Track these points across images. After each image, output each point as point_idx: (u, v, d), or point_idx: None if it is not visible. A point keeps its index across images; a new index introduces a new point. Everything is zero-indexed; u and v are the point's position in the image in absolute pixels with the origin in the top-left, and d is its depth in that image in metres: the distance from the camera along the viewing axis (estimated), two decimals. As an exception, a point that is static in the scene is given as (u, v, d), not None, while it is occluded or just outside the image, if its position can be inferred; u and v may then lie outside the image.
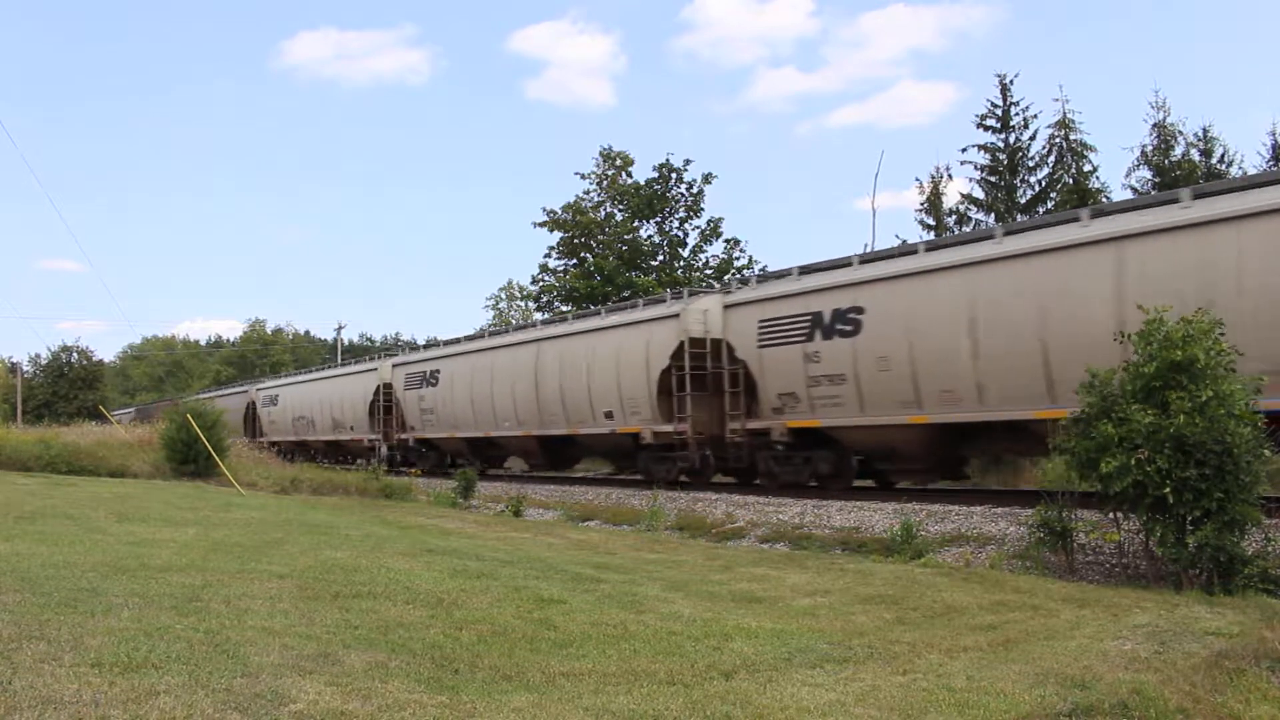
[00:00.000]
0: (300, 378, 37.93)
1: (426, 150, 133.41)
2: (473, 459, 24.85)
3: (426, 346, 30.30)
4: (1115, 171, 67.91)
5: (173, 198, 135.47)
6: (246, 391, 41.88)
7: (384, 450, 27.44)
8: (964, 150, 31.85)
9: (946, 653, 5.58)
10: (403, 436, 27.48)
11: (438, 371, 25.96)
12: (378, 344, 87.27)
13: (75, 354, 61.64)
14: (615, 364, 19.25)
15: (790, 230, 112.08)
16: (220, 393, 46.12)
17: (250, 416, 39.14)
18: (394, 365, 28.54)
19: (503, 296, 61.88)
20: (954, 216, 31.48)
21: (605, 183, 38.22)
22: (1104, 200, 27.93)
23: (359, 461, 27.65)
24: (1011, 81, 30.70)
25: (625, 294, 33.88)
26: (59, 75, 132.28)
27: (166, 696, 3.83)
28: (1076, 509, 9.54)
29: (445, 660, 4.90)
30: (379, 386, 28.47)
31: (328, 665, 4.57)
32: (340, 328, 72.74)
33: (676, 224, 38.07)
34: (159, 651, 4.51)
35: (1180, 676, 4.89)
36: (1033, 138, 30.57)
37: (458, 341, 26.95)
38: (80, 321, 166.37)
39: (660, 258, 37.83)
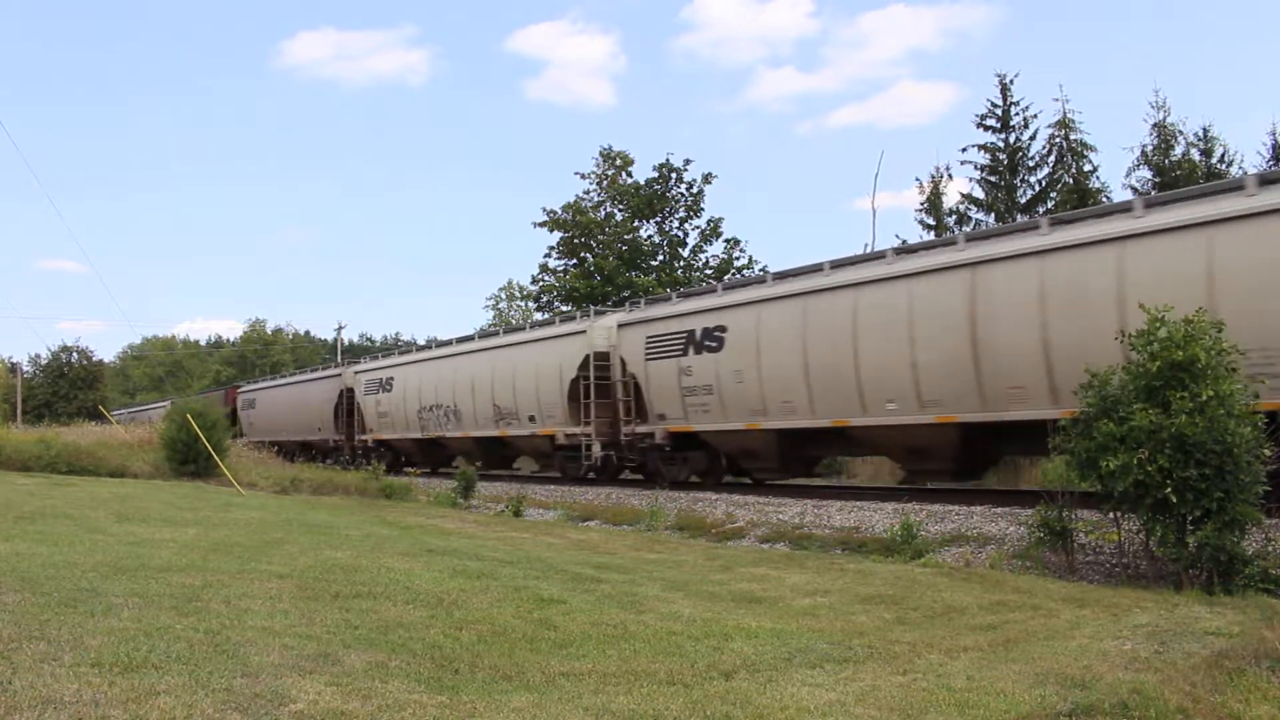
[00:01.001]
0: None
1: (426, 150, 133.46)
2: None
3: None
4: (1115, 171, 68.03)
5: (173, 198, 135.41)
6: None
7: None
8: (964, 150, 31.83)
9: (946, 653, 5.59)
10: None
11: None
12: (378, 344, 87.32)
13: (75, 354, 61.76)
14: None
15: (790, 230, 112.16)
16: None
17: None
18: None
19: (503, 296, 61.95)
20: (954, 216, 31.46)
21: (605, 183, 38.21)
22: (1105, 200, 27.94)
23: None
24: (1011, 81, 30.69)
25: (625, 294, 33.86)
26: (59, 75, 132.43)
27: (166, 696, 3.83)
28: (1076, 509, 9.55)
29: (445, 660, 4.90)
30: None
31: (328, 665, 4.57)
32: (340, 328, 72.74)
33: (676, 224, 38.07)
34: (159, 651, 4.51)
35: (1180, 676, 4.89)
36: (1033, 138, 30.58)
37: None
38: (80, 321, 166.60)
39: (660, 258, 37.81)
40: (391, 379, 28.87)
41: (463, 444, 25.26)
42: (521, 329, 24.53)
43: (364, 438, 30.15)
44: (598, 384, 19.68)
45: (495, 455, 25.36)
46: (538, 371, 21.75)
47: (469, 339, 26.70)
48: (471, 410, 24.15)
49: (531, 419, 22.14)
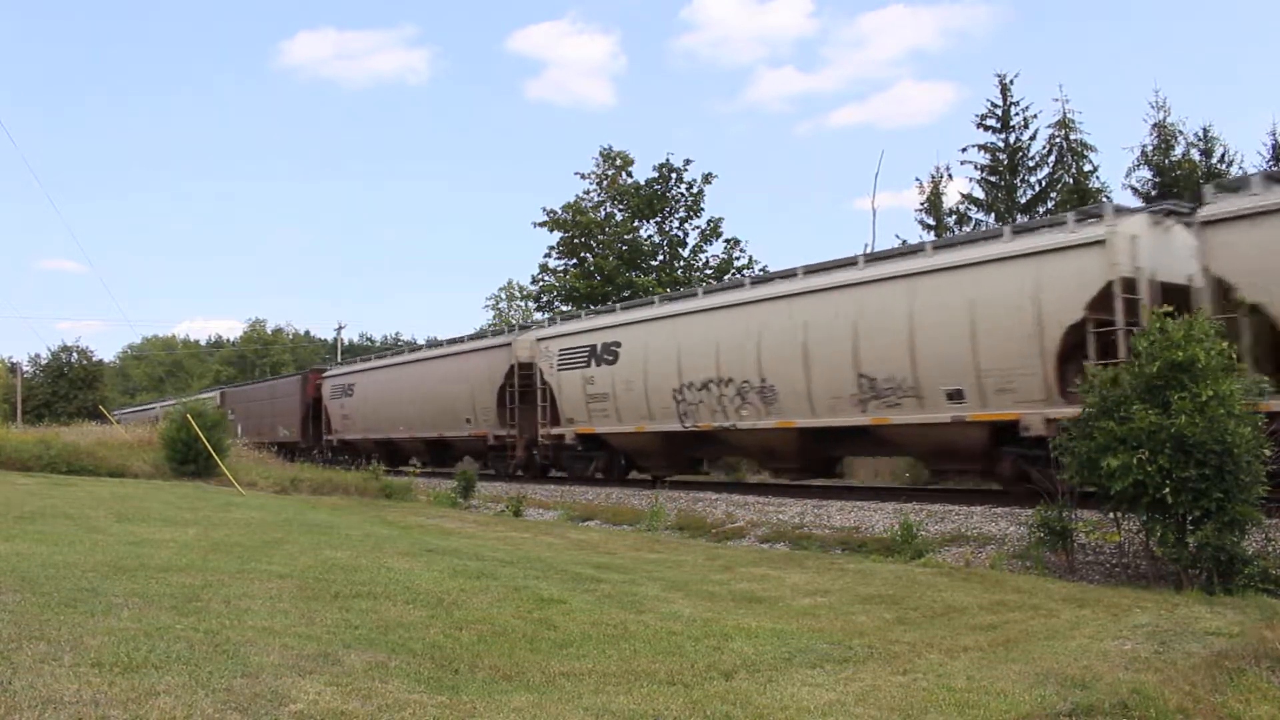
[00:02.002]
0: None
1: (426, 150, 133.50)
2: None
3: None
4: (1115, 171, 67.80)
5: (173, 198, 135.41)
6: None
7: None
8: (964, 150, 31.75)
9: (946, 653, 5.59)
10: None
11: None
12: (377, 344, 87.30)
13: (75, 354, 61.72)
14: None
15: (790, 230, 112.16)
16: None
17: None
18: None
19: (503, 296, 61.87)
20: (954, 216, 31.45)
21: (605, 183, 38.18)
22: (1105, 199, 27.92)
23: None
24: (1011, 81, 30.66)
25: (625, 294, 33.86)
26: (59, 75, 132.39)
27: (166, 696, 3.83)
28: (1076, 509, 9.55)
29: (445, 660, 4.90)
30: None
31: (328, 665, 4.57)
32: (340, 328, 72.76)
33: (676, 224, 38.03)
34: (159, 651, 4.51)
35: (1180, 676, 4.89)
36: (1033, 138, 30.56)
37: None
38: (80, 321, 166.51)
39: (660, 258, 37.79)
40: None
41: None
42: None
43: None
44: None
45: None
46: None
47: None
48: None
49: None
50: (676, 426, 18.01)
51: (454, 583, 7.22)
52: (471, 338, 26.97)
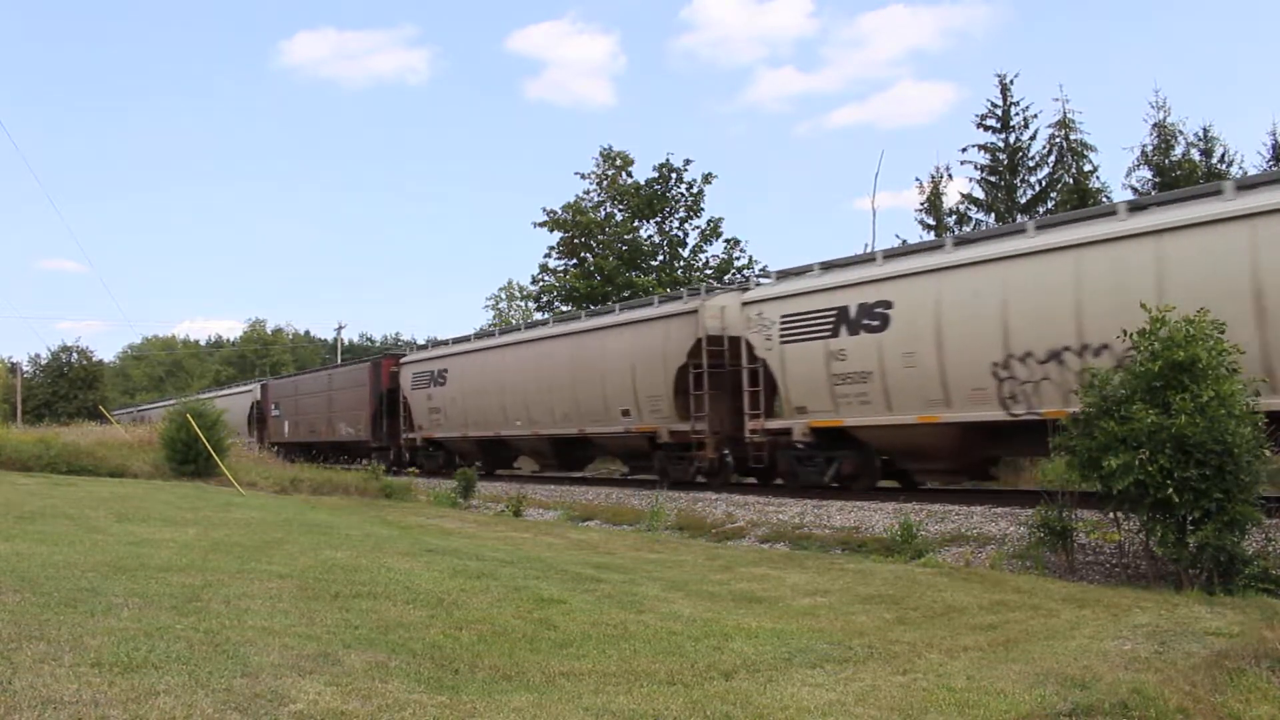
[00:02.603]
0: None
1: (426, 150, 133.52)
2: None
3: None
4: (1115, 171, 67.85)
5: (173, 198, 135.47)
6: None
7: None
8: (964, 150, 31.77)
9: (946, 653, 5.59)
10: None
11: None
12: (377, 344, 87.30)
13: (75, 354, 61.73)
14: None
15: (790, 230, 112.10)
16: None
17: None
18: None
19: (503, 296, 61.82)
20: (954, 216, 31.46)
21: (605, 183, 38.18)
22: (1104, 199, 27.94)
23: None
24: (1011, 81, 30.67)
25: (625, 294, 33.85)
26: (59, 75, 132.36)
27: (166, 696, 3.83)
28: (1076, 509, 9.54)
29: (445, 660, 4.90)
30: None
31: (328, 665, 4.57)
32: (340, 328, 72.79)
33: (676, 224, 38.04)
34: (159, 651, 4.51)
35: (1180, 676, 4.89)
36: (1033, 138, 30.56)
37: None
38: (80, 321, 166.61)
39: (660, 258, 37.80)
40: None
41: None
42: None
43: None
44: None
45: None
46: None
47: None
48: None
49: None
50: (994, 414, 12.84)
51: (454, 583, 7.22)
52: (631, 304, 21.46)
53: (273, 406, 37.34)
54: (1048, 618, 6.73)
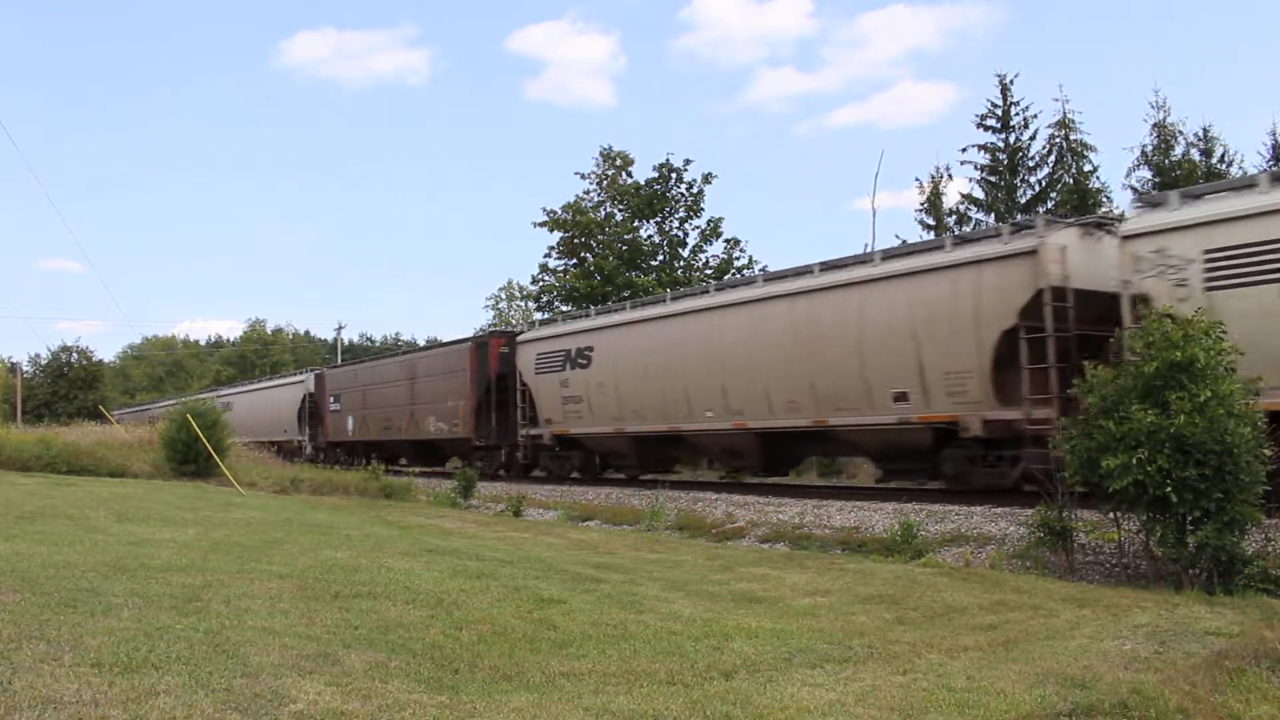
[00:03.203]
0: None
1: (426, 150, 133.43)
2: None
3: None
4: (1115, 171, 67.79)
5: (173, 198, 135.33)
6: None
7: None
8: (964, 150, 31.82)
9: (946, 653, 5.59)
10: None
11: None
12: (377, 344, 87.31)
13: (75, 354, 61.68)
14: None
15: (790, 230, 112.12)
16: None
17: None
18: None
19: (502, 296, 61.78)
20: (954, 216, 31.48)
21: (605, 183, 38.18)
22: (1104, 199, 27.99)
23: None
24: (1011, 81, 30.71)
25: (626, 294, 33.86)
26: (59, 75, 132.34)
27: (166, 696, 3.83)
28: (1076, 509, 9.54)
29: (445, 660, 4.90)
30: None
31: (328, 665, 4.57)
32: (340, 328, 72.72)
33: (676, 224, 38.04)
34: (159, 651, 4.51)
35: (1180, 676, 4.89)
36: (1033, 138, 30.60)
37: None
38: (80, 321, 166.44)
39: (660, 258, 37.80)
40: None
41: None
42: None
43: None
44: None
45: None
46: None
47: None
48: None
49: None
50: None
51: (454, 583, 7.22)
52: (909, 249, 15.89)
53: (331, 400, 31.78)
54: (1048, 618, 6.73)
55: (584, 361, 20.34)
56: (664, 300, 19.79)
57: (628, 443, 19.76)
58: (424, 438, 26.32)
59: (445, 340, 32.87)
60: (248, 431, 33.40)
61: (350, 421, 30.60)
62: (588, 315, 21.74)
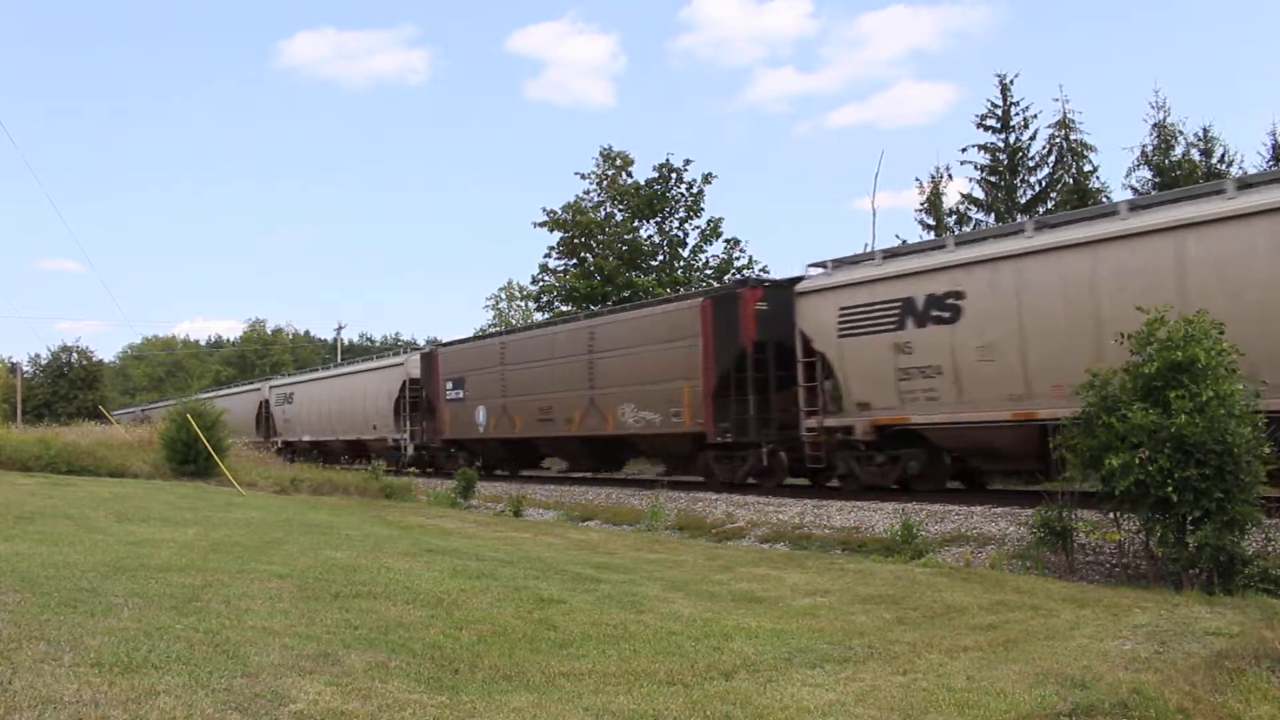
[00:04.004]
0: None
1: (426, 150, 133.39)
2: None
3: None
4: (1115, 171, 67.83)
5: (173, 197, 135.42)
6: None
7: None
8: (964, 150, 31.80)
9: (946, 653, 5.59)
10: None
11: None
12: (377, 344, 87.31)
13: (75, 354, 61.72)
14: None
15: (790, 231, 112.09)
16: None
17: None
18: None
19: (502, 296, 61.71)
20: (954, 216, 31.47)
21: (605, 183, 38.16)
22: (1104, 199, 27.95)
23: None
24: (1011, 81, 30.68)
25: (625, 294, 33.86)
26: (59, 75, 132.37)
27: (166, 696, 3.83)
28: (1077, 509, 9.54)
29: (445, 660, 4.90)
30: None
31: (328, 665, 4.57)
32: (340, 328, 72.73)
33: (676, 224, 38.02)
34: (159, 651, 4.51)
35: (1180, 676, 4.89)
36: (1033, 138, 30.58)
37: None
38: (80, 321, 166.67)
39: (660, 258, 37.78)
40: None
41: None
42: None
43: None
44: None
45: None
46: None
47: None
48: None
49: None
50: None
51: (454, 583, 7.22)
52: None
53: (447, 386, 25.04)
54: (1048, 618, 6.73)
55: (944, 313, 13.54)
56: (1119, 211, 12.04)
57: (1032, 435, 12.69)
58: (611, 433, 19.29)
59: (648, 298, 26.30)
60: (317, 429, 32.10)
61: (483, 412, 23.32)
62: (942, 247, 14.35)
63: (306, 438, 32.85)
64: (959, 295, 13.36)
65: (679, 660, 5.17)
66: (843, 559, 10.37)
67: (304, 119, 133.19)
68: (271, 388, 37.45)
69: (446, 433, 25.22)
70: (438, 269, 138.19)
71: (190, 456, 18.72)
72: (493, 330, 37.60)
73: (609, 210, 38.06)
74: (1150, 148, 28.38)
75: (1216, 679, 4.86)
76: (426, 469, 26.62)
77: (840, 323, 14.92)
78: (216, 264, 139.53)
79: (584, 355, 20.23)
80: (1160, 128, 28.32)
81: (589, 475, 22.53)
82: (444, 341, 29.31)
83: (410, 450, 26.77)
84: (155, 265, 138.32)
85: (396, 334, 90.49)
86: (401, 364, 27.91)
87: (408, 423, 26.88)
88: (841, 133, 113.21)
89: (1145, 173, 28.37)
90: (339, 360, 51.43)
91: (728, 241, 37.30)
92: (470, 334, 31.86)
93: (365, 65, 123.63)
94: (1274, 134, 27.38)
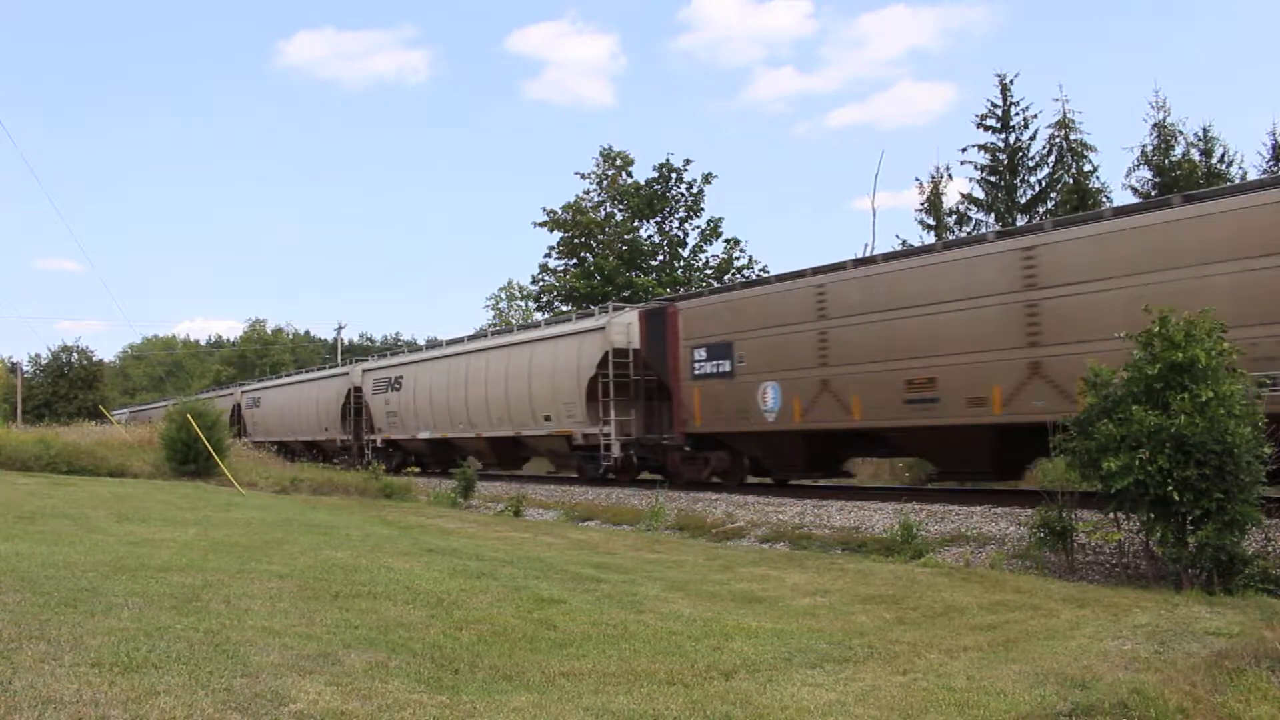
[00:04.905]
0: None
1: (426, 150, 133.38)
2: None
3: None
4: (1115, 171, 67.89)
5: (172, 197, 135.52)
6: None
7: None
8: (964, 150, 31.82)
9: (946, 653, 5.59)
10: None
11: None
12: (378, 344, 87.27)
13: (75, 354, 61.65)
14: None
15: (790, 231, 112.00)
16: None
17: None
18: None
19: (503, 296, 61.77)
20: (954, 216, 31.46)
21: (605, 183, 38.19)
22: (1105, 200, 27.96)
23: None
24: (1011, 81, 30.67)
25: (625, 294, 33.85)
26: (59, 75, 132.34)
27: (166, 696, 3.83)
28: (1077, 509, 9.54)
29: (445, 660, 4.90)
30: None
31: (328, 665, 4.57)
32: (340, 328, 72.70)
33: (676, 224, 38.06)
34: (159, 651, 4.51)
35: (1180, 676, 4.89)
36: (1033, 138, 30.57)
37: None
38: (80, 321, 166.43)
39: (660, 258, 37.81)
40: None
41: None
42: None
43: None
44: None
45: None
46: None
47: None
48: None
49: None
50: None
51: (454, 583, 7.22)
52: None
53: (695, 355, 17.19)
54: (1048, 618, 6.73)
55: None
56: None
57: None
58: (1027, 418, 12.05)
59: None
60: (469, 422, 23.45)
61: (770, 393, 15.81)
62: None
63: (472, 433, 23.89)
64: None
65: (679, 660, 5.17)
66: (843, 559, 10.37)
67: (304, 119, 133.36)
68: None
69: (695, 423, 17.18)
70: (438, 269, 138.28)
71: (190, 456, 18.73)
72: (734, 283, 25.34)
73: (609, 210, 38.08)
74: (1150, 148, 28.38)
75: (1216, 679, 4.86)
76: (642, 474, 19.64)
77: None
78: (216, 264, 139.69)
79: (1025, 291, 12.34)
80: (1160, 128, 28.32)
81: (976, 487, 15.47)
82: (683, 292, 23.87)
83: (616, 449, 18.72)
84: (155, 265, 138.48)
85: (397, 334, 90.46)
86: (601, 328, 19.47)
87: (610, 411, 18.74)
88: (841, 133, 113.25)
89: (1145, 173, 28.38)
90: (338, 360, 51.63)
91: (728, 241, 37.35)
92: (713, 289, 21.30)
93: (365, 65, 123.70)
94: (1274, 134, 27.40)
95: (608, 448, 19.02)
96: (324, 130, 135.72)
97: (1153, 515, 8.20)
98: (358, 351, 73.94)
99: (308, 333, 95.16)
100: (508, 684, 4.57)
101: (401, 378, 27.70)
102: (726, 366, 16.65)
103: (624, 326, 19.23)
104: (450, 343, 27.47)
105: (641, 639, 5.66)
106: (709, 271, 36.89)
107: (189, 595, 6.08)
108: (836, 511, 13.43)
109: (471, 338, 26.76)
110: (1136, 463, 7.94)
